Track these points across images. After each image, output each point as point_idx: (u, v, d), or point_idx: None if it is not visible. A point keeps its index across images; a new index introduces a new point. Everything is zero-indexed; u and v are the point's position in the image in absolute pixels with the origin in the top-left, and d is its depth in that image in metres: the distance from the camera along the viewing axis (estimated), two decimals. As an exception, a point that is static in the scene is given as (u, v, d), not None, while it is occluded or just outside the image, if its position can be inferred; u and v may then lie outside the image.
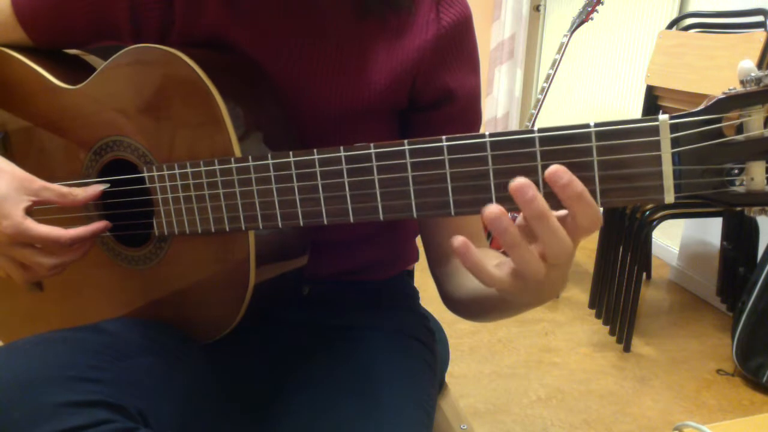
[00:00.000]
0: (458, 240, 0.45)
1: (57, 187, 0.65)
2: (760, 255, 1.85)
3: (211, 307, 0.66)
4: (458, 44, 0.71)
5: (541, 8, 3.47)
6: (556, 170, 0.43)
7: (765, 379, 1.71)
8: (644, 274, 2.35)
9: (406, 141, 0.49)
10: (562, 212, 0.45)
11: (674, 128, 0.42)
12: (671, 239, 2.52)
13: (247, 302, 0.63)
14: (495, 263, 0.49)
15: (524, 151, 0.45)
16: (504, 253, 0.49)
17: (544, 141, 0.45)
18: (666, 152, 0.42)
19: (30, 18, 0.73)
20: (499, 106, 3.57)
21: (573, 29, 2.20)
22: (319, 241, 0.71)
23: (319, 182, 0.53)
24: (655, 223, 1.86)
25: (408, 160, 0.49)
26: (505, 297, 0.53)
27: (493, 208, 0.44)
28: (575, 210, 0.44)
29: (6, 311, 0.82)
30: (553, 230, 0.44)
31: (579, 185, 0.43)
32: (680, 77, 1.95)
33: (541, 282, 0.47)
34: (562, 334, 2.03)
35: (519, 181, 0.43)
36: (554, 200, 0.45)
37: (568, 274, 0.51)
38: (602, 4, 2.16)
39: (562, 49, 2.19)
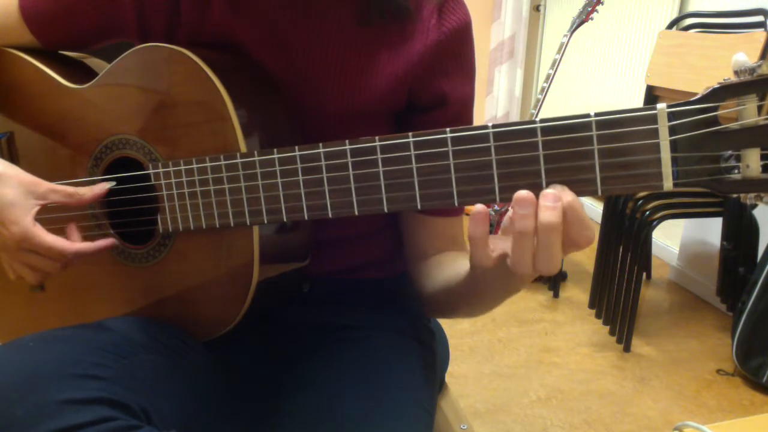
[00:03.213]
0: (479, 207, 0.48)
1: (63, 188, 0.65)
2: (760, 255, 1.86)
3: (213, 305, 0.66)
4: (457, 50, 0.71)
5: (541, 8, 3.47)
6: (552, 190, 0.45)
7: (765, 379, 1.71)
8: (644, 274, 2.35)
9: (410, 133, 0.50)
10: None
11: (672, 117, 0.43)
12: (671, 239, 2.52)
13: (249, 300, 0.63)
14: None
15: (526, 141, 0.46)
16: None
17: (545, 131, 0.46)
18: (664, 140, 0.43)
19: (37, 20, 0.73)
20: (499, 106, 3.57)
21: (573, 29, 2.20)
22: (319, 239, 0.71)
23: (324, 175, 0.54)
24: (655, 223, 1.86)
25: (412, 152, 0.50)
26: (476, 281, 0.57)
27: (525, 192, 0.46)
28: (565, 217, 0.45)
29: (6, 310, 0.82)
30: (552, 245, 0.46)
31: (569, 194, 0.45)
32: (680, 77, 1.95)
33: (514, 275, 0.50)
34: (562, 334, 2.04)
35: (549, 189, 0.45)
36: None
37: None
38: (602, 4, 2.16)
39: (562, 49, 2.19)
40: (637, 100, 2.68)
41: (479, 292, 0.61)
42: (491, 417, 1.61)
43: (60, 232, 0.66)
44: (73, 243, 0.65)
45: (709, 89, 0.42)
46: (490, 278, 0.56)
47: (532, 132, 0.46)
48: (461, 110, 0.74)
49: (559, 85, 3.20)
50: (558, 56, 2.19)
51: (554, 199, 0.45)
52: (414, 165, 0.50)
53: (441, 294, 0.71)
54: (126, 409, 0.52)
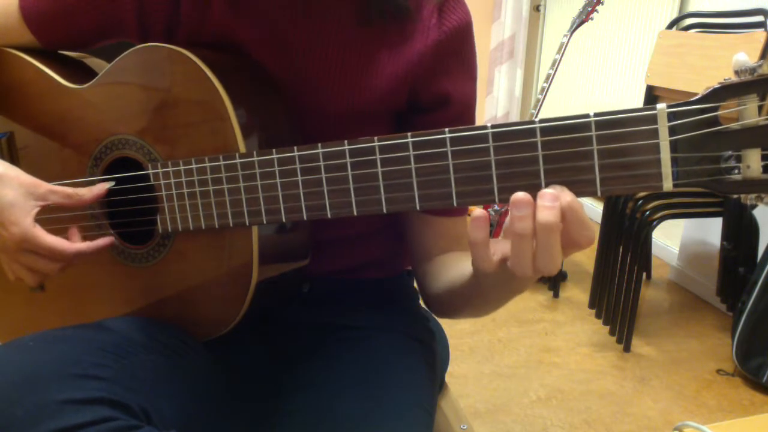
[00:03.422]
0: (478, 212, 0.48)
1: (62, 188, 0.65)
2: (760, 255, 1.86)
3: (213, 305, 0.66)
4: (458, 50, 0.71)
5: (541, 8, 3.47)
6: (551, 190, 0.45)
7: (765, 379, 1.71)
8: (644, 274, 2.35)
9: (409, 133, 0.50)
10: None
11: (672, 117, 0.43)
12: (671, 239, 2.53)
13: (248, 300, 0.63)
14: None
15: (525, 142, 0.46)
16: None
17: (545, 131, 0.45)
18: (664, 140, 0.43)
19: (37, 19, 0.73)
20: (499, 106, 3.57)
21: (573, 29, 2.20)
22: (319, 239, 0.71)
23: (323, 176, 0.54)
24: (655, 223, 1.86)
25: (411, 153, 0.50)
26: (479, 283, 0.57)
27: (522, 194, 0.46)
28: (565, 217, 0.45)
29: (6, 310, 0.82)
30: (552, 245, 0.46)
31: (568, 195, 0.45)
32: (680, 77, 1.95)
33: (515, 278, 0.50)
34: (562, 334, 2.04)
35: (547, 189, 0.45)
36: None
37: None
38: (602, 4, 2.16)
39: (562, 49, 2.19)
40: (637, 100, 2.68)
41: (482, 295, 0.61)
42: (491, 417, 1.62)
43: (60, 232, 0.66)
44: (72, 243, 0.65)
45: (710, 89, 0.42)
46: (492, 281, 0.55)
47: (531, 132, 0.46)
48: (463, 110, 0.74)
49: (559, 85, 3.21)
50: (558, 56, 2.19)
51: (552, 199, 0.45)
52: (413, 165, 0.50)
53: (445, 295, 0.71)
54: (126, 409, 0.52)
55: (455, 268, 0.69)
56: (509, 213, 0.46)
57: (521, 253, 0.47)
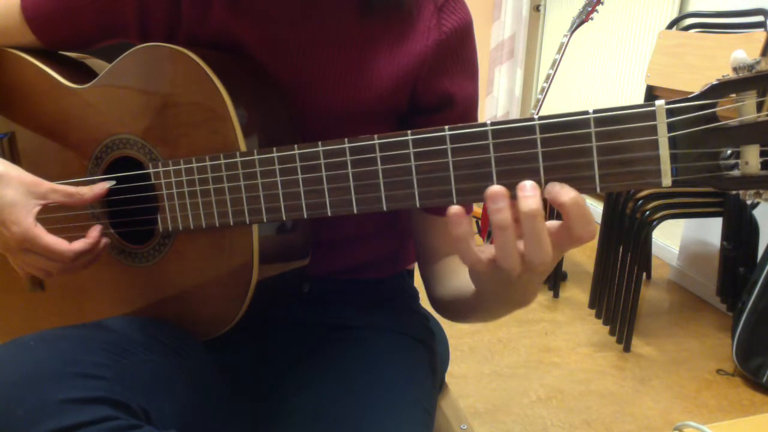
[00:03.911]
0: (454, 208, 0.47)
1: (63, 187, 0.65)
2: (760, 255, 1.86)
3: (213, 304, 0.66)
4: (458, 50, 0.71)
5: (541, 8, 3.47)
6: (529, 182, 0.45)
7: (765, 379, 1.71)
8: (644, 274, 2.35)
9: (409, 131, 0.50)
10: (557, 222, 0.47)
11: (670, 113, 0.43)
12: (671, 239, 2.53)
13: (249, 300, 0.63)
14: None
15: (525, 139, 0.46)
16: None
17: (544, 128, 0.45)
18: (662, 136, 0.43)
19: (38, 20, 0.74)
20: (499, 106, 3.57)
21: (573, 29, 2.20)
22: (319, 239, 0.71)
23: (324, 174, 0.54)
24: (655, 223, 1.86)
25: (411, 150, 0.50)
26: (479, 292, 0.56)
27: (497, 187, 0.46)
28: (569, 213, 0.45)
29: (6, 309, 0.82)
30: (538, 233, 0.45)
31: (571, 191, 0.45)
32: (680, 77, 1.95)
33: (511, 282, 0.50)
34: (562, 334, 2.04)
35: (527, 181, 0.45)
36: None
37: (539, 289, 0.54)
38: (602, 4, 2.16)
39: (562, 49, 2.19)
40: (637, 100, 2.68)
41: (484, 305, 0.61)
42: (491, 417, 1.62)
43: (60, 232, 0.66)
44: (70, 245, 0.65)
45: (708, 86, 0.42)
46: (487, 282, 0.55)
47: (530, 129, 0.46)
48: (467, 110, 0.74)
49: (559, 85, 3.21)
50: (558, 56, 2.19)
51: (532, 188, 0.45)
52: (413, 163, 0.50)
53: (451, 302, 0.71)
54: (126, 409, 0.52)
55: (460, 276, 0.69)
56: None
57: (505, 245, 0.46)
